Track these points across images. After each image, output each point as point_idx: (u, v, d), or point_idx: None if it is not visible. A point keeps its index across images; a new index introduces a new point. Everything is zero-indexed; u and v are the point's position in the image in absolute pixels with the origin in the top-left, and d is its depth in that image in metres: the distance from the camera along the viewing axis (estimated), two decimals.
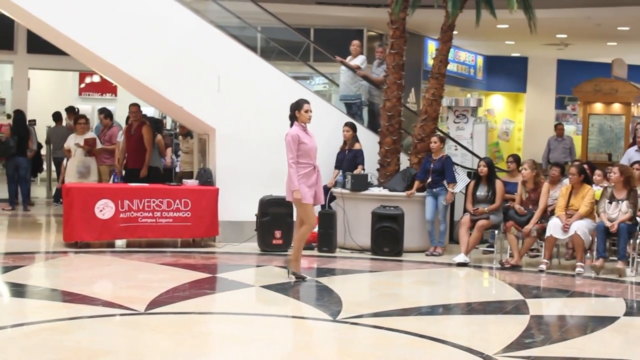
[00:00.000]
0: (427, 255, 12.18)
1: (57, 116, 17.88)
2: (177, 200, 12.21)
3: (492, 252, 12.00)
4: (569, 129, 22.39)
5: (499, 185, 11.86)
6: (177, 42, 12.54)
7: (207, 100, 12.69)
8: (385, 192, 12.54)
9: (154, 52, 12.40)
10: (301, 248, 10.07)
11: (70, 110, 18.19)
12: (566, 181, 11.81)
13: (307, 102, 9.98)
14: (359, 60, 14.14)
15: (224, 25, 13.27)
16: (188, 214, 12.24)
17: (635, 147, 13.44)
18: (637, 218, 11.17)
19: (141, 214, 12.08)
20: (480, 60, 23.69)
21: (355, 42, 14.38)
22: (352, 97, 14.10)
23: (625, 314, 8.82)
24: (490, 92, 24.67)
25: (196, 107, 12.67)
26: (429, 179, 12.33)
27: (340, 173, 12.86)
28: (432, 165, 12.35)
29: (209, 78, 12.62)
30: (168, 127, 20.44)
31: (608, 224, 10.89)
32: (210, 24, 12.97)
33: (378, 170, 13.08)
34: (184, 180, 13.26)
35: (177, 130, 16.92)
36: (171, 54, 12.46)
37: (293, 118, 9.92)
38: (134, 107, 14.15)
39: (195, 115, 12.74)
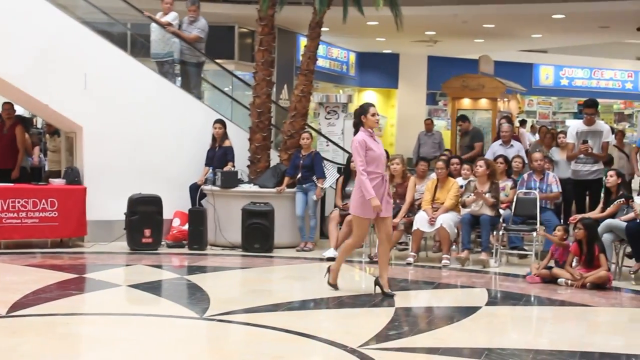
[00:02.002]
0: (297, 250, 12.26)
1: None
2: (43, 200, 11.97)
3: (361, 246, 12.14)
4: (440, 124, 22.80)
5: None
6: (43, 39, 12.26)
7: (74, 98, 12.45)
8: (256, 188, 12.57)
9: (18, 49, 12.11)
10: (343, 260, 9.49)
11: None
12: (433, 175, 12.05)
13: (373, 106, 9.24)
14: (171, 17, 13.76)
15: (92, 21, 13.06)
16: (55, 214, 12.01)
17: (500, 142, 13.80)
18: (500, 210, 11.51)
19: (6, 214, 11.79)
20: (352, 57, 23.93)
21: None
22: (164, 55, 13.72)
23: (488, 304, 9.07)
24: (363, 88, 24.94)
25: (63, 105, 12.43)
26: (299, 175, 12.41)
27: (211, 170, 12.81)
28: (301, 161, 12.44)
29: (75, 76, 12.40)
30: (39, 125, 19.94)
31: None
32: (77, 21, 12.75)
33: (248, 167, 13.09)
34: (50, 180, 12.99)
35: (45, 128, 16.54)
36: (36, 51, 12.18)
37: (358, 124, 9.12)
38: (7, 106, 13.76)
39: (61, 113, 12.50)
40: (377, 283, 9.18)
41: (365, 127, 9.05)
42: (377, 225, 9.23)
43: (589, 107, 12.39)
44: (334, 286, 9.37)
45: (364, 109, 9.13)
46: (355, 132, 9.13)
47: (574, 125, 12.70)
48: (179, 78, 14.03)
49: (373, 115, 9.06)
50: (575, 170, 12.41)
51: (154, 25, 13.78)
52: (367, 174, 8.83)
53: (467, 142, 15.50)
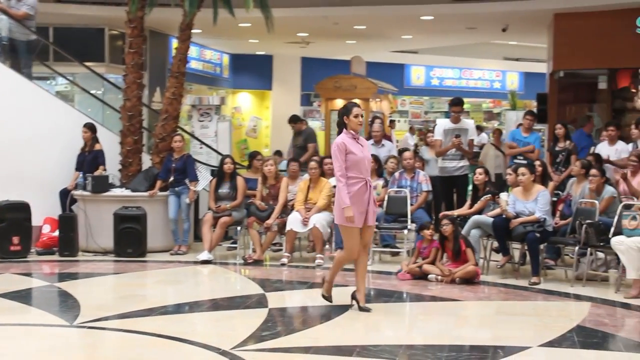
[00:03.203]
0: (171, 254, 12.17)
1: None
2: None
3: (235, 248, 12.18)
4: (315, 124, 22.90)
5: (240, 182, 12.01)
6: None
7: None
8: (128, 192, 12.43)
9: None
10: (336, 273, 8.85)
11: None
12: (306, 176, 12.14)
13: (357, 106, 8.57)
14: None
15: None
16: None
17: (371, 141, 13.96)
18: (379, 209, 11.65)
19: None
20: (226, 59, 23.84)
21: None
22: None
23: None
24: (237, 90, 24.88)
25: None
26: (172, 178, 12.32)
27: (81, 175, 12.60)
28: (174, 164, 12.37)
29: None
30: None
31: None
32: None
33: (120, 170, 12.93)
34: None
35: None
36: None
37: (341, 125, 8.48)
38: None
39: None
40: (353, 297, 8.63)
41: (349, 128, 8.42)
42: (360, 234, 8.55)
43: (455, 105, 12.75)
44: (328, 298, 8.79)
45: (347, 110, 8.48)
46: (339, 133, 8.53)
47: (441, 123, 13.05)
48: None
49: (356, 116, 8.39)
50: (442, 167, 12.75)
51: None
52: (348, 179, 8.27)
53: (300, 142, 15.48)
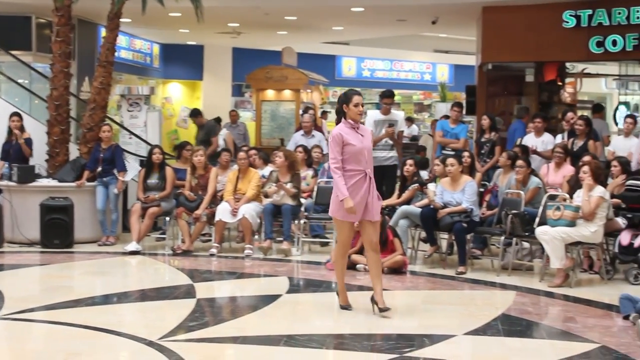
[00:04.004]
0: (99, 245, 12.06)
1: None
2: None
3: (164, 238, 12.12)
4: (246, 115, 22.89)
5: (169, 172, 11.96)
6: None
7: None
8: (55, 183, 12.26)
9: None
10: (342, 277, 8.28)
11: None
12: (236, 166, 12.11)
13: (357, 94, 8.01)
14: None
15: None
16: None
17: (302, 132, 14.03)
18: (301, 200, 11.70)
19: None
20: (156, 49, 23.65)
21: None
22: None
23: (289, 291, 9.25)
24: (168, 80, 24.70)
25: None
26: (99, 169, 12.20)
27: (7, 165, 12.40)
28: (102, 155, 12.24)
29: None
30: None
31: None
32: None
33: (47, 161, 12.75)
34: None
35: None
36: None
37: (340, 113, 7.99)
38: None
39: None
40: (372, 300, 8.10)
41: (347, 118, 7.98)
42: (362, 230, 8.21)
43: (387, 97, 12.84)
44: (347, 307, 8.25)
45: (347, 97, 7.98)
46: (338, 122, 8.09)
47: (372, 114, 13.11)
48: None
49: (356, 105, 7.90)
50: (373, 157, 12.79)
51: None
52: (347, 171, 7.84)
53: (202, 136, 15.41)
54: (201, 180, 11.91)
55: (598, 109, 16.00)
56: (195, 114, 15.98)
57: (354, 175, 7.84)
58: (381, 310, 7.95)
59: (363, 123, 8.73)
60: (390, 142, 12.65)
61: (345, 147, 7.81)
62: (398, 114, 13.31)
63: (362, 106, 7.92)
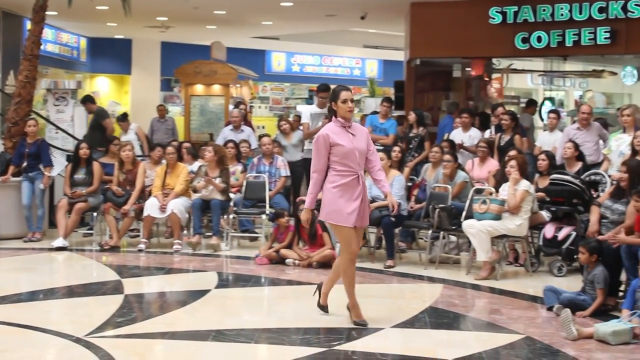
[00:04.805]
0: (25, 241, 11.88)
1: None
2: None
3: (92, 234, 12.01)
4: (175, 110, 22.75)
5: (96, 167, 11.85)
6: None
7: None
8: None
9: None
10: (334, 282, 7.78)
11: None
12: (164, 161, 12.04)
13: (347, 90, 7.45)
14: None
15: None
16: None
17: (231, 127, 13.99)
18: (231, 194, 11.68)
19: None
20: (83, 42, 23.34)
21: None
22: None
23: (218, 286, 9.24)
24: (96, 74, 24.40)
25: None
26: (25, 164, 12.02)
27: None
28: (27, 149, 12.08)
29: None
30: None
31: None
32: None
33: None
34: None
35: None
36: None
37: (332, 112, 7.50)
38: None
39: None
40: (319, 287, 7.96)
41: (337, 116, 7.46)
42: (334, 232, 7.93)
43: (322, 91, 13.00)
44: (361, 323, 7.54)
45: (335, 94, 7.46)
46: (329, 120, 7.64)
47: (307, 108, 13.25)
48: None
49: (344, 101, 7.35)
50: (308, 149, 12.86)
51: None
52: (337, 172, 7.36)
53: (93, 122, 15.14)
54: (129, 175, 11.82)
55: (530, 104, 16.30)
56: (85, 100, 15.70)
57: (345, 176, 7.33)
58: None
59: (361, 123, 8.47)
60: None
61: (333, 147, 7.30)
62: None
63: (352, 102, 7.39)
